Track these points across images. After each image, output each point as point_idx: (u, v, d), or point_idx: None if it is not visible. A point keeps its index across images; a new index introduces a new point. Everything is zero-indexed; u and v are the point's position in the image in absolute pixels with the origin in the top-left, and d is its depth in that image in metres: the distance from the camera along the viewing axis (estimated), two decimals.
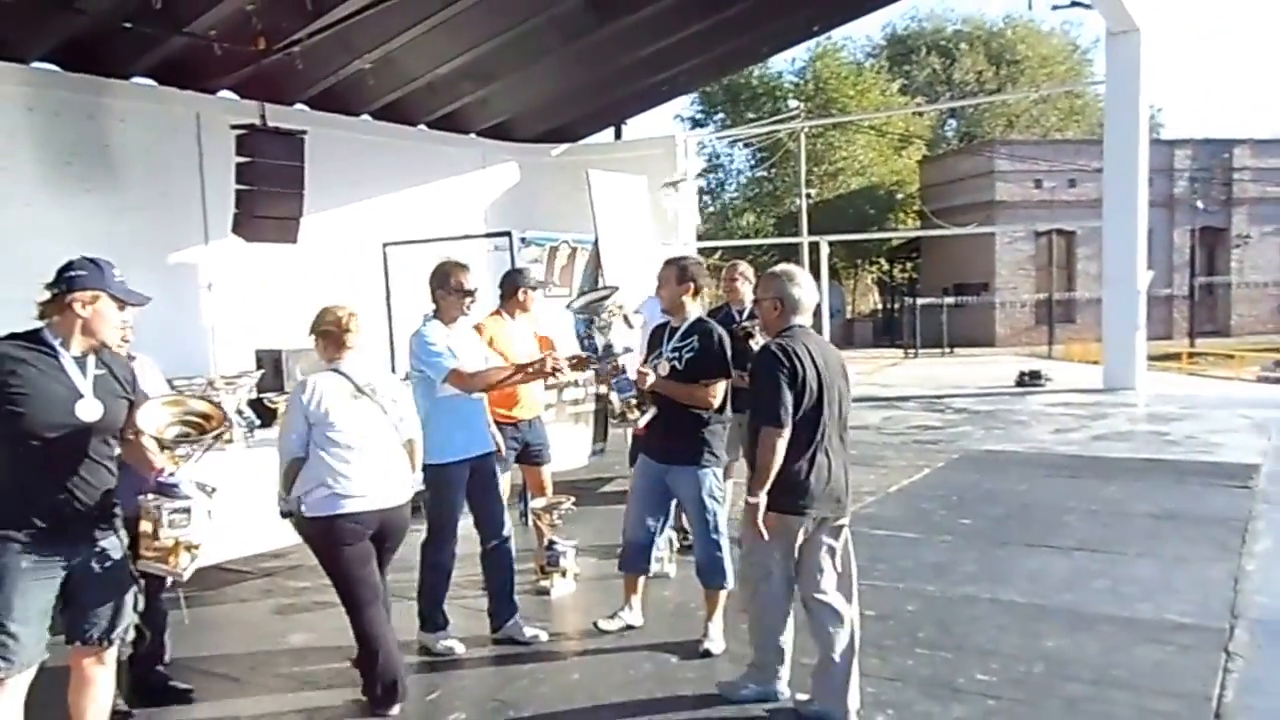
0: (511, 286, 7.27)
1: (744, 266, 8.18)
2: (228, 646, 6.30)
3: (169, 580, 4.92)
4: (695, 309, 6.26)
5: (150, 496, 4.43)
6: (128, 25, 9.93)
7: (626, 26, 13.64)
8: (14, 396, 3.92)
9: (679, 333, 6.04)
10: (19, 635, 3.93)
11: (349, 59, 12.27)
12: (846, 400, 5.11)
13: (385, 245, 11.81)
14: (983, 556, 7.78)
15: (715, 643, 5.95)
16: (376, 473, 5.23)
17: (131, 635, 4.31)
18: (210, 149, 11.61)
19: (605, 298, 6.07)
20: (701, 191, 37.20)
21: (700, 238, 19.45)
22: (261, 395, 8.07)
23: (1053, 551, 7.88)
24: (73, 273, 4.14)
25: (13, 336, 4.07)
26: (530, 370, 6.04)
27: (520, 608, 6.30)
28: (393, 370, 10.89)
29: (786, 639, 5.18)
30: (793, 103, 45.37)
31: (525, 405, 7.21)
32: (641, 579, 6.35)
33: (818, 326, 5.70)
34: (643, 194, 12.13)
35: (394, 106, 14.13)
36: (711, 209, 48.16)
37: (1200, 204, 41.14)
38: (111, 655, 4.28)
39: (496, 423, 6.68)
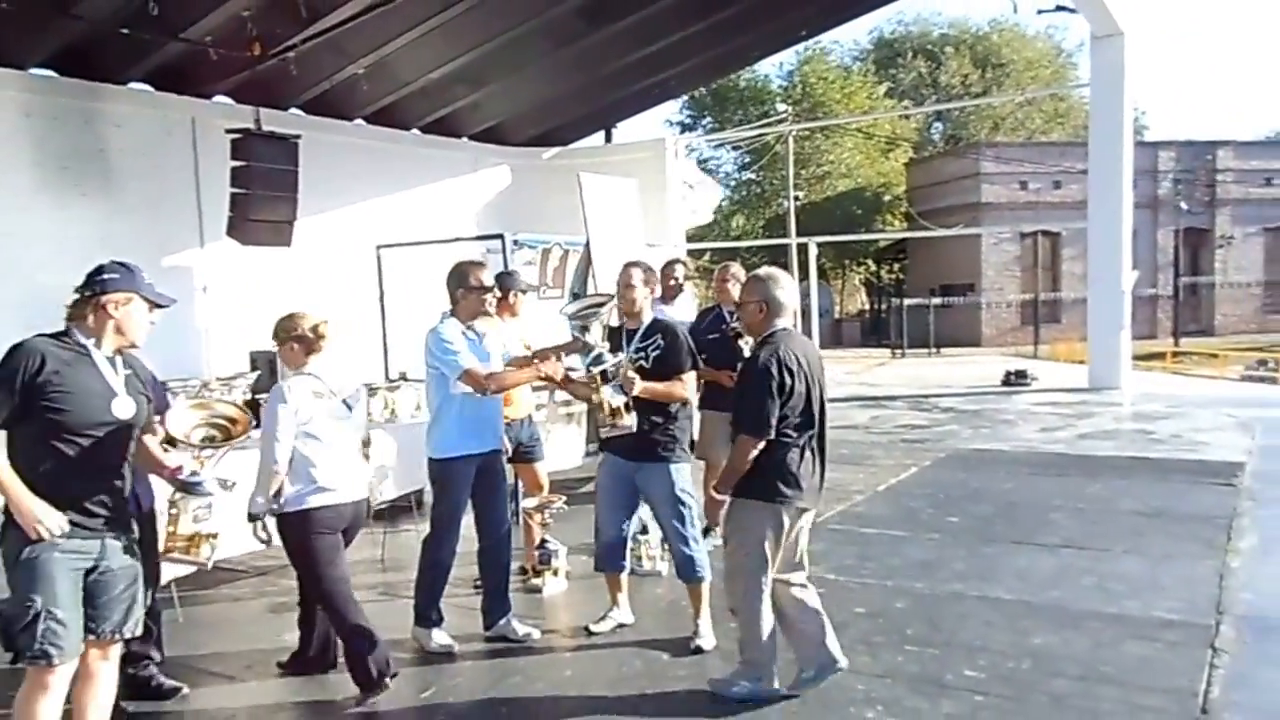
0: (502, 289, 7.26)
1: (735, 268, 8.24)
2: (222, 644, 6.34)
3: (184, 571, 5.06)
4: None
5: (175, 493, 4.57)
6: (124, 31, 9.96)
7: (616, 32, 13.74)
8: (58, 395, 4.03)
9: (638, 334, 6.13)
10: (67, 624, 4.05)
11: (342, 64, 12.34)
12: (825, 397, 5.25)
13: (379, 248, 11.88)
14: (970, 554, 7.81)
15: (706, 639, 6.01)
16: (347, 467, 5.42)
17: (140, 631, 4.42)
18: (205, 153, 11.67)
19: (601, 305, 6.15)
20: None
21: (690, 239, 19.51)
22: (256, 396, 8.07)
23: (1040, 549, 7.90)
24: (105, 275, 4.26)
25: (43, 337, 4.18)
26: (542, 374, 6.10)
27: (513, 606, 6.34)
28: (387, 371, 11.01)
29: (775, 633, 5.26)
30: (780, 106, 45.43)
31: (517, 404, 7.23)
32: (624, 576, 6.38)
33: (806, 327, 5.77)
34: (633, 197, 12.19)
35: (387, 111, 14.19)
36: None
37: (1184, 205, 41.35)
38: (117, 651, 4.38)
39: None
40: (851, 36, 70.22)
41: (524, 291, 7.52)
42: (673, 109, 49.83)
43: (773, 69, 50.43)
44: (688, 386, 6.17)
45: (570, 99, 16.10)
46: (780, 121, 38.68)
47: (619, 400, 5.88)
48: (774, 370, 4.97)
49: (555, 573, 7.25)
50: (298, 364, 5.43)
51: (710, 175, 43.25)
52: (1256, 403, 16.72)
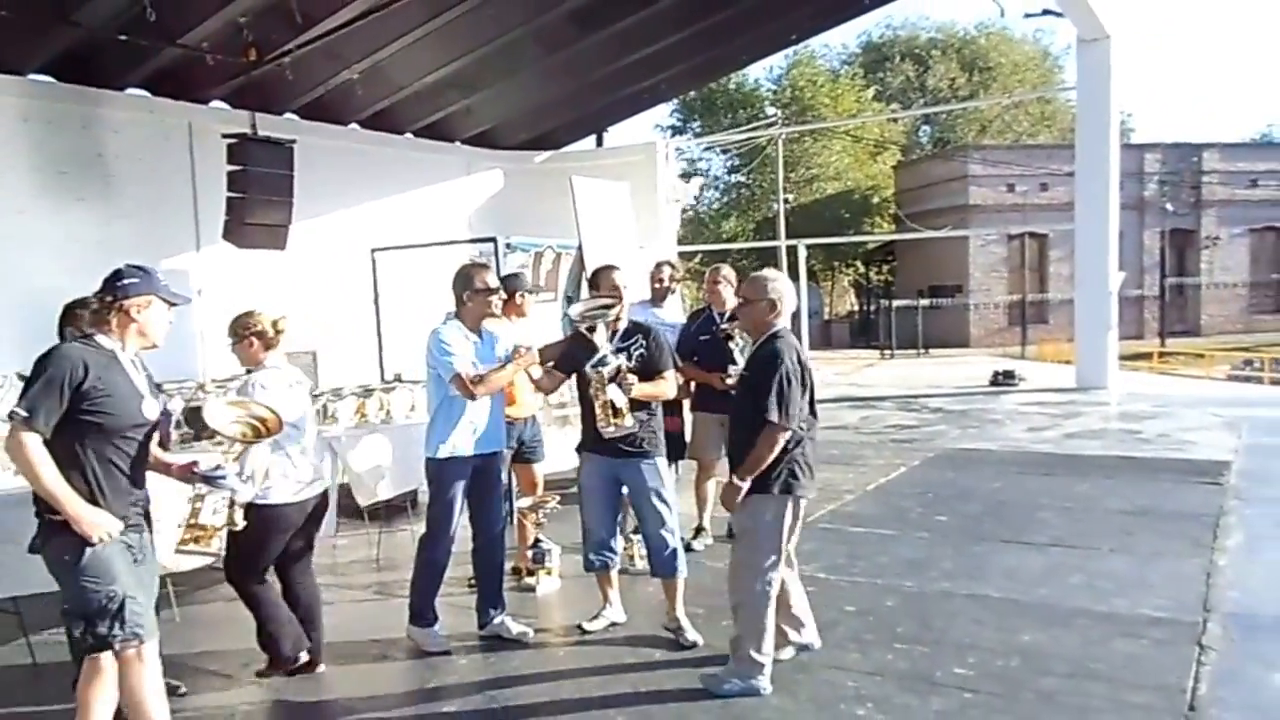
0: (508, 290, 7.32)
1: (726, 270, 8.30)
2: (219, 643, 6.33)
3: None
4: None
5: (199, 486, 4.69)
6: (122, 38, 10.04)
7: (607, 37, 13.83)
8: (102, 400, 4.14)
9: (617, 335, 6.22)
10: (145, 607, 4.24)
11: (337, 69, 12.42)
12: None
13: (373, 251, 11.95)
14: (959, 553, 7.83)
15: (690, 631, 6.09)
16: (313, 460, 5.60)
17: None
18: (202, 158, 11.74)
19: (608, 307, 6.23)
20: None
21: (680, 242, 19.58)
22: None
23: (1028, 547, 7.93)
24: (124, 280, 4.34)
25: (76, 343, 4.30)
26: (517, 360, 6.10)
27: (507, 604, 6.38)
28: (382, 373, 11.09)
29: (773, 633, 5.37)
30: (770, 109, 45.56)
31: (521, 404, 7.26)
32: (615, 574, 6.44)
33: (796, 328, 5.86)
34: (624, 200, 12.25)
35: (381, 115, 14.28)
36: (691, 214, 48.29)
37: (1170, 206, 41.40)
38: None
39: None
40: (840, 40, 70.52)
41: (530, 292, 7.57)
42: (663, 112, 49.97)
43: (762, 73, 50.69)
44: (670, 385, 6.32)
45: (562, 103, 16.17)
46: (770, 125, 38.82)
47: (622, 400, 6.00)
48: (793, 362, 5.15)
49: (549, 572, 7.28)
50: (255, 360, 5.56)
51: (700, 177, 43.42)
52: (1243, 402, 16.71)
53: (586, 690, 5.43)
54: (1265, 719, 5.03)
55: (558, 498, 7.40)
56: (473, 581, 6.54)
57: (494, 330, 6.38)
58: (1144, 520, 8.64)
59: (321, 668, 5.78)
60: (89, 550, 4.11)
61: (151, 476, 4.57)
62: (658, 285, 8.60)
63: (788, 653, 5.59)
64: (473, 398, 5.94)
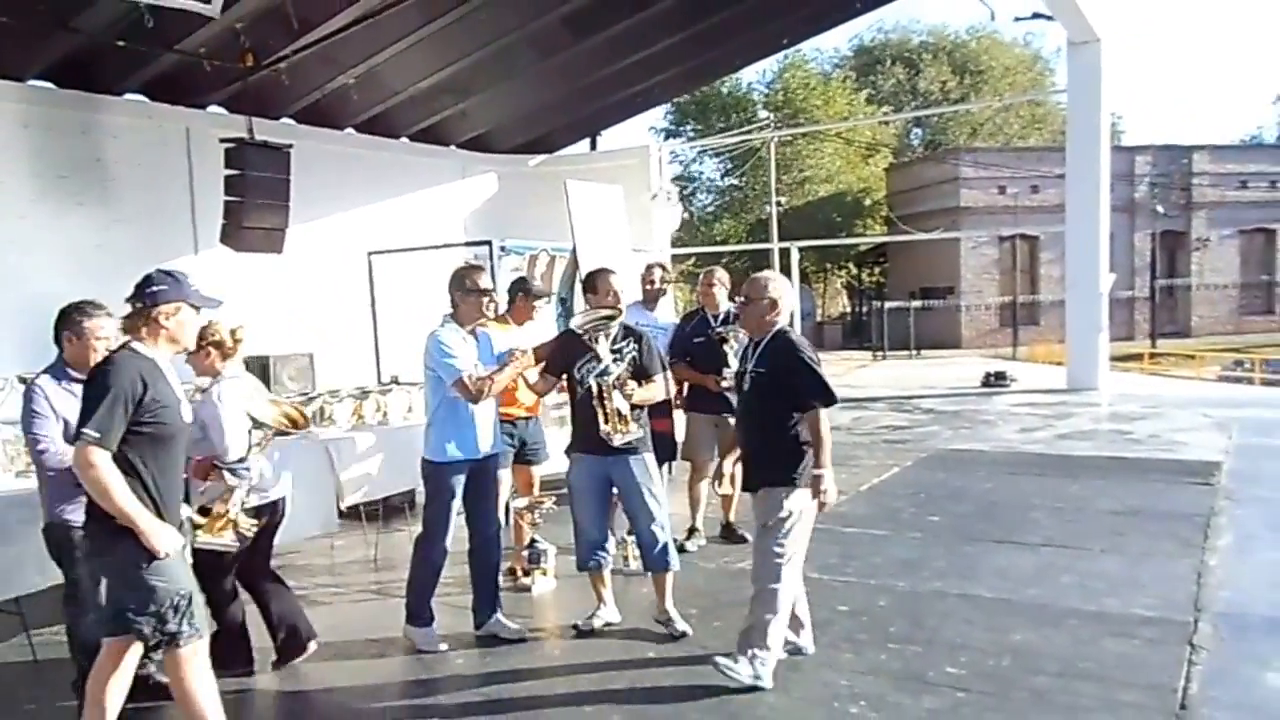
0: (522, 295, 7.45)
1: (720, 273, 8.34)
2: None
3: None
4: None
5: (227, 476, 4.80)
6: (120, 44, 10.07)
7: (601, 41, 13.88)
8: (160, 410, 4.26)
9: (611, 338, 6.28)
10: (199, 604, 4.40)
11: (333, 74, 12.46)
12: None
13: (370, 254, 12.00)
14: (951, 553, 7.87)
15: (680, 623, 6.22)
16: (273, 466, 5.69)
17: None
18: (199, 162, 11.78)
19: (611, 318, 6.32)
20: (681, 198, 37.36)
21: (673, 244, 19.62)
22: None
23: (1020, 548, 7.96)
24: (154, 287, 4.40)
25: (114, 351, 4.41)
26: (514, 362, 6.17)
27: (503, 604, 6.42)
28: (379, 375, 11.15)
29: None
30: (762, 113, 45.66)
31: (524, 405, 7.34)
32: (608, 574, 6.47)
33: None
34: (618, 203, 12.28)
35: (376, 120, 14.31)
36: (684, 216, 48.30)
37: (1160, 208, 41.54)
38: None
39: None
40: (832, 44, 70.53)
41: (539, 298, 7.62)
42: (657, 116, 50.01)
43: (754, 76, 50.79)
44: (660, 388, 6.43)
45: (556, 107, 16.19)
46: (762, 128, 38.93)
47: (626, 408, 6.10)
48: (812, 350, 5.42)
49: (544, 572, 7.32)
50: (212, 370, 5.64)
51: (694, 181, 43.45)
52: (1233, 403, 16.75)
53: (582, 689, 5.46)
54: (1256, 718, 5.04)
55: (553, 498, 7.39)
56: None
57: (496, 333, 6.47)
58: (1135, 520, 8.67)
59: (312, 645, 5.89)
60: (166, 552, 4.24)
61: None
62: (649, 287, 8.60)
63: (781, 653, 5.61)
64: (475, 400, 5.98)
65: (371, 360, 11.60)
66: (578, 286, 10.99)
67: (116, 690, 4.39)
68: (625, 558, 7.40)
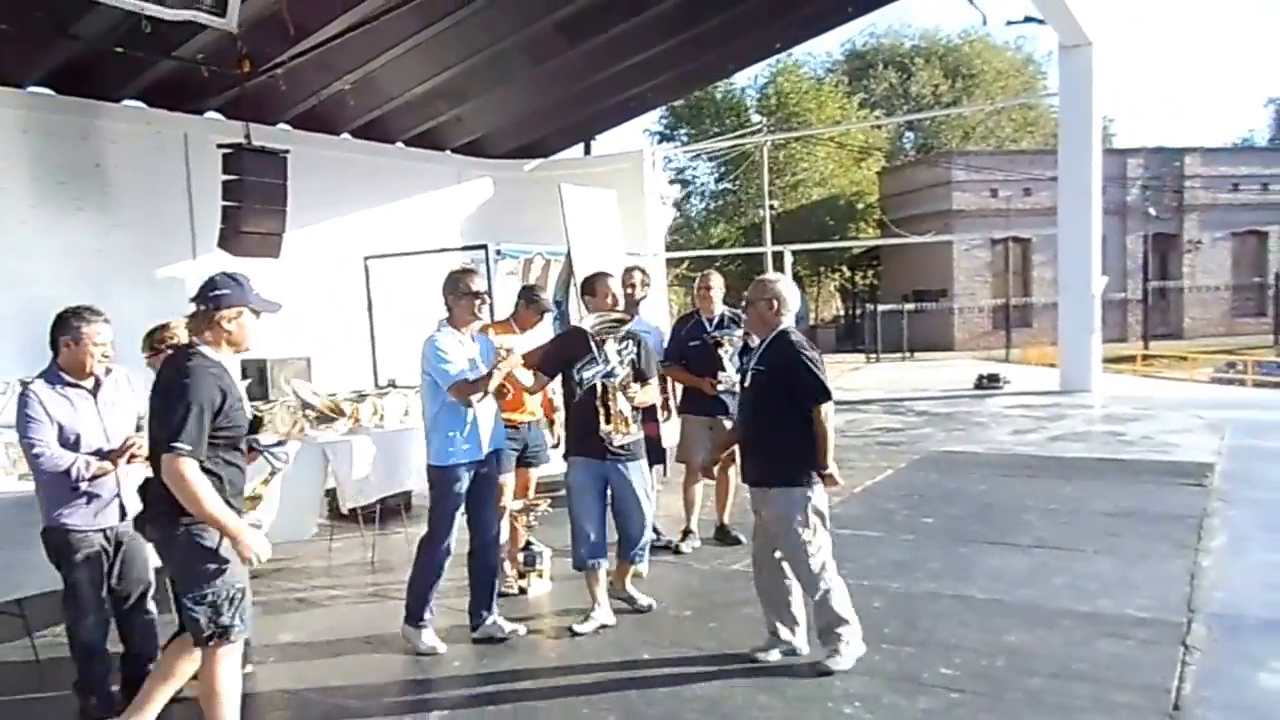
0: (525, 303, 7.50)
1: (715, 277, 8.38)
2: None
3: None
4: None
5: (267, 459, 4.90)
6: (119, 50, 10.10)
7: (595, 47, 13.93)
8: (235, 413, 4.41)
9: (609, 341, 6.37)
10: (249, 604, 4.55)
11: (329, 80, 12.52)
12: None
13: (366, 259, 12.04)
14: (945, 554, 7.87)
15: (642, 598, 6.59)
16: None
17: None
18: (197, 168, 11.83)
19: (621, 322, 6.39)
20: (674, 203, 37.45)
21: (667, 248, 19.68)
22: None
23: (1013, 549, 7.97)
24: (217, 291, 4.52)
25: (182, 354, 4.51)
26: (500, 364, 6.15)
27: (498, 606, 6.44)
28: (376, 378, 11.20)
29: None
30: (755, 117, 45.74)
31: (528, 409, 7.39)
32: (604, 574, 6.52)
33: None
34: (612, 207, 12.31)
35: (372, 125, 14.36)
36: (679, 220, 48.40)
37: (1152, 211, 41.56)
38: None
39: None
40: (824, 49, 70.51)
41: (544, 311, 7.63)
42: (651, 120, 50.03)
43: (747, 81, 50.77)
44: (654, 391, 6.62)
45: (550, 112, 16.24)
46: (755, 132, 38.98)
47: (629, 410, 6.19)
48: (814, 352, 5.55)
49: (540, 574, 7.34)
50: None
51: (688, 185, 43.48)
52: (1226, 404, 16.72)
53: (577, 690, 5.49)
54: (1250, 718, 5.05)
55: (548, 501, 7.42)
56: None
57: (503, 339, 6.54)
58: (1128, 522, 8.68)
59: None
60: (224, 545, 4.36)
61: None
62: (629, 291, 8.37)
63: (775, 654, 5.71)
64: (469, 404, 6.03)
65: (368, 364, 11.64)
66: (572, 290, 11.06)
67: (233, 678, 4.56)
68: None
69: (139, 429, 5.32)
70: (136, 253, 11.22)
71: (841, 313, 52.55)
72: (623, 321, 6.36)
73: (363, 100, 13.25)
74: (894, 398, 19.14)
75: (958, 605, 6.66)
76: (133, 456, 5.14)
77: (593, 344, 6.32)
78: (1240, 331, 41.00)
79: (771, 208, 39.82)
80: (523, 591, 7.27)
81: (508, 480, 6.98)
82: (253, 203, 11.17)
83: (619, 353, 6.34)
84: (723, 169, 48.23)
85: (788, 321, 5.67)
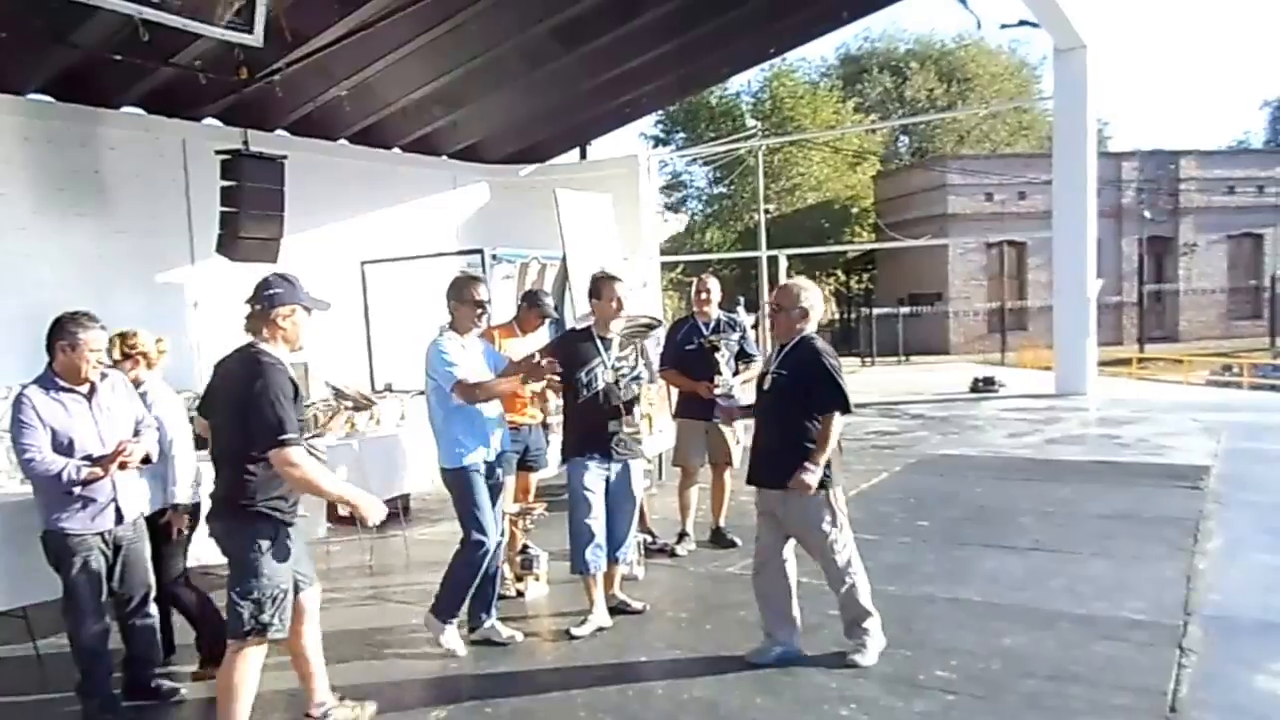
0: (528, 306, 7.56)
1: (712, 281, 8.40)
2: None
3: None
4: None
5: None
6: (118, 58, 10.10)
7: (589, 52, 13.98)
8: (300, 404, 4.59)
9: (614, 344, 6.46)
10: (289, 605, 4.68)
11: (326, 87, 12.55)
12: None
13: (363, 263, 12.07)
14: (941, 557, 7.90)
15: (635, 602, 6.64)
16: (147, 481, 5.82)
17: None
18: (196, 173, 11.89)
19: (651, 327, 6.45)
20: (667, 207, 37.47)
21: (662, 252, 19.70)
22: None
23: (1009, 552, 7.96)
24: (271, 290, 4.70)
25: (246, 353, 4.64)
26: (523, 371, 6.23)
27: (496, 610, 6.43)
28: (373, 382, 11.22)
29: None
30: (750, 121, 45.79)
31: (528, 412, 7.44)
32: (601, 576, 6.51)
33: None
34: (607, 211, 12.33)
35: (369, 131, 14.41)
36: (674, 223, 48.39)
37: (1148, 214, 41.59)
38: None
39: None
40: (819, 53, 70.51)
41: (545, 317, 7.68)
42: (646, 124, 50.11)
43: (742, 85, 50.83)
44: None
45: (546, 118, 16.28)
46: (750, 136, 38.99)
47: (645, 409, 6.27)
48: (835, 357, 5.65)
49: (537, 578, 7.34)
50: (135, 380, 5.76)
51: (683, 189, 43.42)
52: (1221, 407, 16.75)
53: (575, 693, 5.49)
54: None
55: (545, 505, 7.44)
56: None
57: (505, 341, 6.57)
58: (1124, 524, 8.69)
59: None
60: (275, 544, 4.53)
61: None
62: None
63: (771, 657, 5.74)
64: (473, 402, 6.06)
65: (365, 368, 11.66)
66: (567, 294, 11.10)
67: (251, 677, 4.72)
68: (630, 564, 7.36)
69: (136, 434, 5.38)
70: (136, 258, 11.27)
71: (837, 316, 52.49)
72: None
73: (359, 106, 13.27)
74: (889, 401, 19.09)
75: (954, 608, 6.68)
76: (124, 464, 5.17)
77: (598, 346, 6.37)
78: (1236, 334, 41.09)
79: (767, 212, 39.88)
80: (520, 594, 7.25)
81: (508, 483, 6.97)
82: (250, 208, 11.22)
83: (620, 359, 6.41)
84: (718, 173, 48.31)
85: (812, 328, 5.75)
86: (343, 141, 14.37)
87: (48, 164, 10.78)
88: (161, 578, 5.73)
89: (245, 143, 11.39)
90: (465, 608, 6.38)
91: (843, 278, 49.03)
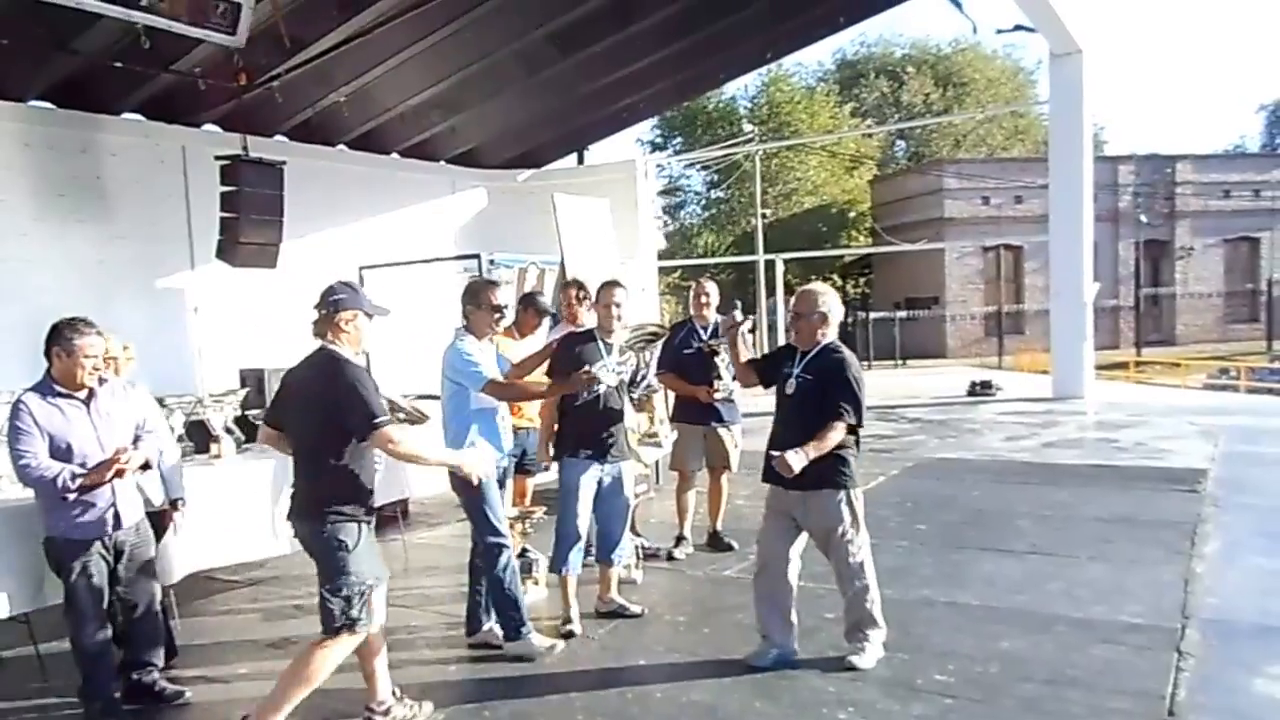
0: (524, 308, 7.62)
1: (711, 285, 8.38)
2: (218, 652, 6.49)
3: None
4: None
5: None
6: (118, 64, 10.15)
7: (587, 57, 14.00)
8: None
9: (615, 348, 6.49)
10: (379, 600, 4.97)
11: (325, 92, 12.58)
12: None
13: (361, 269, 12.06)
14: (939, 561, 7.91)
15: (634, 606, 6.66)
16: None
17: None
18: (196, 179, 11.91)
19: (656, 336, 6.49)
20: (665, 210, 37.54)
21: (661, 257, 19.72)
22: (246, 413, 8.14)
23: (1007, 555, 7.97)
24: (335, 296, 4.99)
25: (323, 355, 4.92)
26: (567, 382, 6.21)
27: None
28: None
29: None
30: (747, 126, 45.80)
31: (526, 415, 7.46)
32: (573, 579, 6.49)
33: (774, 341, 6.17)
34: (605, 216, 12.35)
35: (368, 136, 14.43)
36: (671, 229, 48.50)
37: (1144, 218, 41.70)
38: None
39: None
40: (815, 58, 70.72)
41: (544, 314, 7.76)
42: (644, 129, 50.13)
43: (739, 91, 50.86)
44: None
45: (543, 123, 16.28)
46: (747, 141, 39.05)
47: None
48: (859, 370, 5.73)
49: (536, 582, 7.28)
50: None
51: (681, 193, 43.45)
52: (1219, 410, 16.73)
53: (574, 697, 5.51)
54: None
55: (544, 509, 7.45)
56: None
57: (504, 343, 6.60)
58: (1122, 528, 8.70)
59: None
60: (357, 542, 4.70)
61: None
62: (569, 308, 7.82)
63: (769, 659, 5.77)
64: (506, 400, 6.19)
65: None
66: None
67: (327, 669, 4.89)
68: (629, 567, 7.42)
69: (137, 440, 5.42)
70: (137, 264, 11.29)
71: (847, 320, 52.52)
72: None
73: (358, 112, 13.29)
74: (887, 405, 19.03)
75: (951, 611, 6.69)
76: (120, 470, 5.18)
77: (601, 348, 6.41)
78: (1233, 338, 41.15)
79: (764, 216, 39.88)
80: None
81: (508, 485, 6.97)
82: (250, 213, 11.20)
83: (621, 361, 6.45)
84: (715, 178, 48.36)
85: (833, 334, 5.78)
86: (342, 147, 14.37)
87: (49, 170, 10.80)
88: None
89: (245, 148, 11.39)
90: (466, 609, 6.43)
91: (840, 282, 48.84)
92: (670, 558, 8.20)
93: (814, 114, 47.81)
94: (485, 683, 5.76)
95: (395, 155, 15.30)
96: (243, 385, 8.83)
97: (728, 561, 8.02)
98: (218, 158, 11.24)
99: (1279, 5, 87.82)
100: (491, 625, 6.33)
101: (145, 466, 5.45)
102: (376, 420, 4.71)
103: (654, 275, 17.62)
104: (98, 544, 5.26)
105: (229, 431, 7.66)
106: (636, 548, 7.69)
